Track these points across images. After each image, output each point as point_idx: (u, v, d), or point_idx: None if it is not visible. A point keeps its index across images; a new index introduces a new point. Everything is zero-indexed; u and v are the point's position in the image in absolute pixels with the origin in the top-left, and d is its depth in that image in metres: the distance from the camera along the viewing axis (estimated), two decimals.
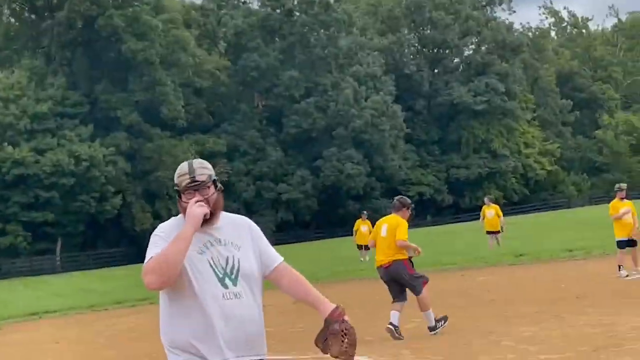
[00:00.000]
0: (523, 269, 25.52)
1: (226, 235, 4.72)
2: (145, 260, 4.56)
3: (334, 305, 4.71)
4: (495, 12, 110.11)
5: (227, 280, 4.58)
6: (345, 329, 4.63)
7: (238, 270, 4.63)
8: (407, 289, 14.12)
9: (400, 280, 14.07)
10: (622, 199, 20.20)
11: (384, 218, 14.82)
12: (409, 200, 14.97)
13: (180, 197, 4.70)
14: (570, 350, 10.91)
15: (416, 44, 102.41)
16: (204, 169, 4.71)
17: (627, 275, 19.08)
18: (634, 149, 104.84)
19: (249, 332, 4.62)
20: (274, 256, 4.88)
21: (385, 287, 14.74)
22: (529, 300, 17.13)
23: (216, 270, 4.59)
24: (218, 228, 4.71)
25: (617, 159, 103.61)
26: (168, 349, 4.67)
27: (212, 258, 4.60)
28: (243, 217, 4.96)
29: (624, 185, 20.94)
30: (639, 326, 12.19)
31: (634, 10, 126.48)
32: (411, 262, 14.29)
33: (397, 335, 13.83)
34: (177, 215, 4.80)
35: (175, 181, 4.71)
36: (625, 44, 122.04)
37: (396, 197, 15.20)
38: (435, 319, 13.89)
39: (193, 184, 4.65)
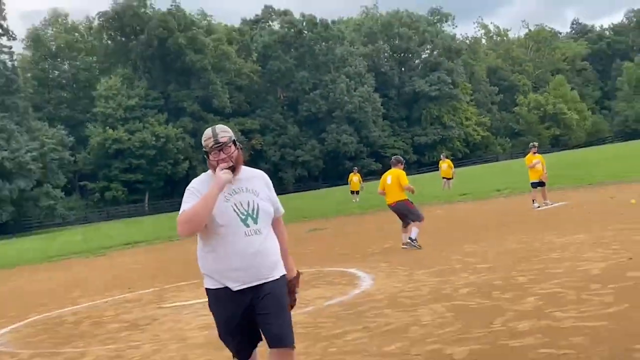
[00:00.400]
0: (466, 205, 25.16)
1: (246, 184, 4.24)
2: (180, 212, 4.12)
3: (295, 273, 4.44)
4: (443, 27, 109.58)
5: (249, 220, 4.13)
6: (293, 300, 4.39)
7: (258, 210, 4.17)
8: (410, 220, 13.97)
9: (405, 214, 13.95)
10: (534, 153, 19.98)
11: (387, 172, 14.49)
12: (401, 158, 14.86)
13: (207, 157, 4.22)
14: (500, 261, 10.54)
15: (389, 51, 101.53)
16: (224, 132, 4.22)
17: (538, 207, 18.78)
18: (541, 120, 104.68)
19: (269, 259, 4.17)
20: (278, 207, 4.44)
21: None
22: (471, 226, 16.78)
23: (239, 213, 4.12)
24: (240, 179, 4.23)
25: (530, 127, 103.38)
26: (203, 273, 4.26)
27: (234, 204, 4.14)
28: (259, 170, 4.48)
29: (536, 144, 20.80)
30: (548, 242, 11.81)
31: (540, 23, 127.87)
32: (411, 201, 14.17)
33: (416, 246, 13.50)
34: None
35: (203, 144, 4.23)
36: (534, 47, 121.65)
37: (393, 157, 15.05)
38: (416, 238, 13.61)
39: (217, 145, 4.16)
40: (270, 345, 4.18)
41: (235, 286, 4.12)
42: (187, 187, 4.27)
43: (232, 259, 4.09)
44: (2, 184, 59.61)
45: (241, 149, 4.31)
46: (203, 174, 4.34)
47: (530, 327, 6.31)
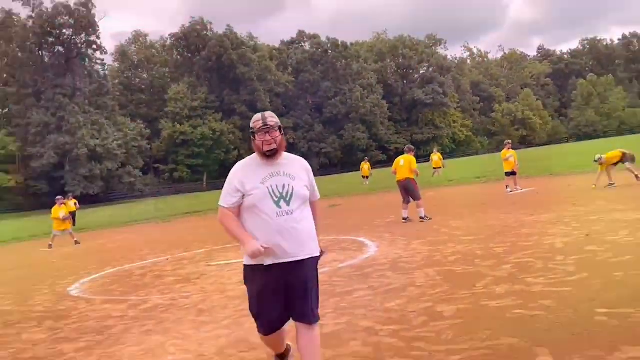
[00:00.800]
0: (452, 189, 24.64)
1: (285, 168, 3.75)
2: (220, 202, 3.73)
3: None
4: (437, 49, 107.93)
5: (281, 202, 3.64)
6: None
7: (292, 194, 3.67)
8: (410, 197, 13.71)
9: (409, 191, 13.66)
10: (508, 149, 19.40)
11: (401, 156, 14.08)
12: (413, 147, 14.54)
13: (254, 137, 3.72)
14: (481, 234, 10.11)
15: (394, 67, 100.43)
16: (272, 117, 3.75)
17: (511, 191, 18.24)
18: (512, 123, 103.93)
19: (300, 238, 3.66)
20: (315, 193, 3.97)
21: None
22: (457, 206, 16.29)
23: (273, 195, 3.64)
24: (280, 164, 3.75)
25: (503, 129, 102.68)
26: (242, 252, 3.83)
27: (270, 186, 3.66)
28: (301, 158, 3.98)
29: (509, 142, 20.25)
30: (519, 220, 11.29)
31: (513, 47, 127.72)
32: (416, 182, 13.88)
33: (408, 221, 13.36)
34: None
35: (251, 125, 3.74)
36: (507, 66, 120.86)
37: (406, 146, 14.62)
38: (425, 215, 13.39)
39: (265, 127, 3.67)
40: (294, 319, 3.79)
41: (267, 261, 3.70)
42: (230, 176, 3.82)
43: (265, 238, 3.65)
44: (95, 165, 60.80)
45: (284, 135, 3.85)
46: (247, 157, 3.89)
47: (506, 291, 5.92)
